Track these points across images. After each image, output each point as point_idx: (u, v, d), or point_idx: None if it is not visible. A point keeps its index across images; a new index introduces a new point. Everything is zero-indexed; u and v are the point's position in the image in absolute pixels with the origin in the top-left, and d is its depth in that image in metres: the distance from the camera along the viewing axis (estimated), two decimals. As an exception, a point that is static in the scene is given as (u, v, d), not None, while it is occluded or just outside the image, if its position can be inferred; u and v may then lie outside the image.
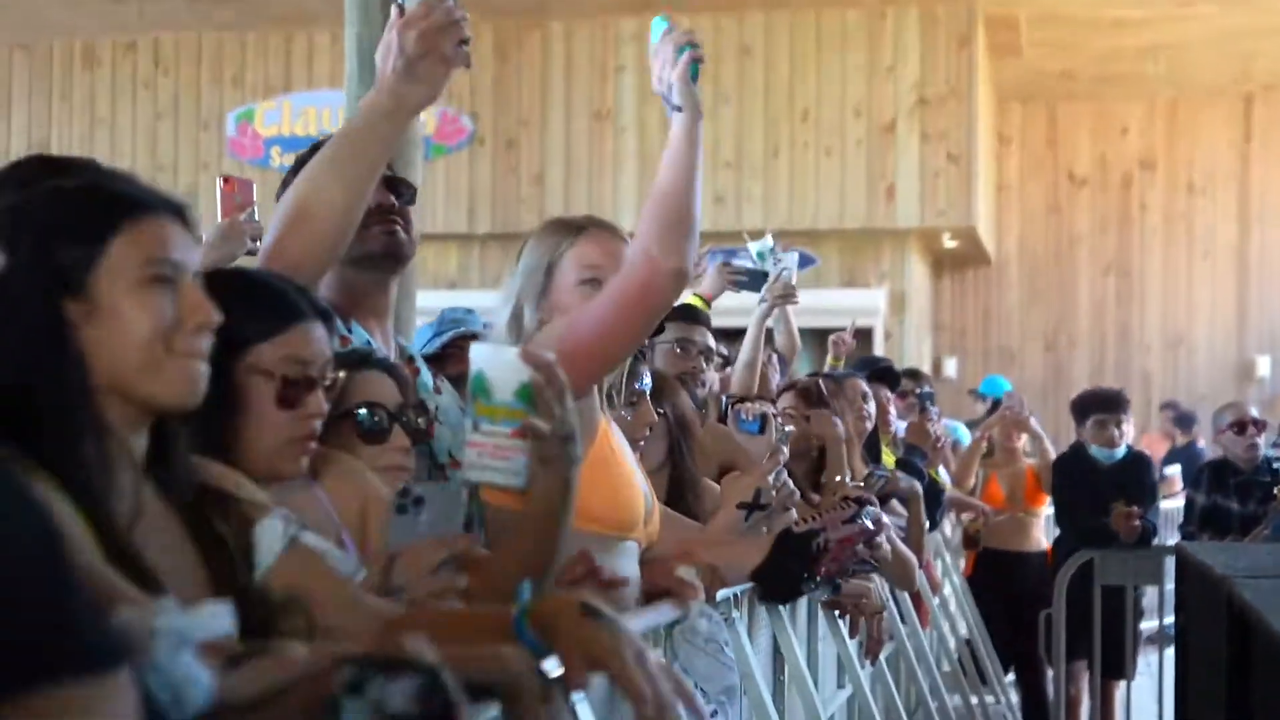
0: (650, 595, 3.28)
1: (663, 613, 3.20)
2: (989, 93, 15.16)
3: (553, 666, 1.94)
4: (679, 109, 3.09)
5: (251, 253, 4.20)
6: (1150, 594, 8.69)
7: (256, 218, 4.18)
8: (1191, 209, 16.32)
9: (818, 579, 3.33)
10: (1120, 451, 8.04)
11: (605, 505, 3.11)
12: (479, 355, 2.35)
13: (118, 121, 15.04)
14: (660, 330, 4.85)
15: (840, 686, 5.26)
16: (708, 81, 14.24)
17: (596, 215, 3.44)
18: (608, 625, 1.92)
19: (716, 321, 7.93)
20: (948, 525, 8.98)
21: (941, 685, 6.62)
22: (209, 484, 2.13)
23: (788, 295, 6.00)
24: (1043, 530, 9.00)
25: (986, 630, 8.52)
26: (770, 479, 3.61)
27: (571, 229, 3.29)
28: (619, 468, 3.16)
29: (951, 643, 8.05)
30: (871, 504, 3.31)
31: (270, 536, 2.13)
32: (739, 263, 6.15)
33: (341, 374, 2.47)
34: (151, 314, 1.93)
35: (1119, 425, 8.03)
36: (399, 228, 3.34)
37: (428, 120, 14.66)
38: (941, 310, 16.42)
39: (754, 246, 6.63)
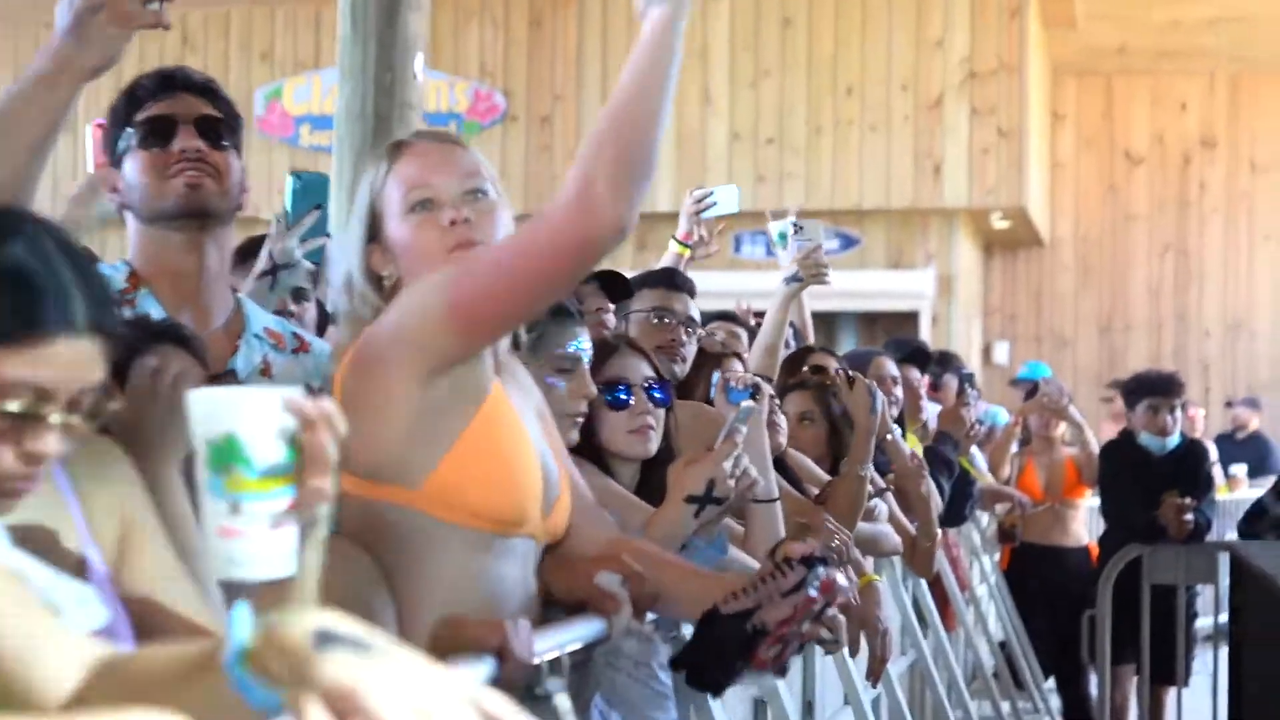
0: (571, 606, 2.62)
1: (576, 630, 2.54)
2: (1042, 67, 14.50)
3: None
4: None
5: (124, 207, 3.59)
6: (1206, 590, 7.92)
7: None
8: (1254, 189, 15.53)
9: (752, 669, 2.56)
10: (1174, 440, 7.30)
11: (481, 496, 2.42)
12: (223, 410, 1.56)
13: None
14: (630, 295, 4.20)
15: (846, 703, 4.62)
16: (748, 53, 13.76)
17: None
18: (356, 655, 1.30)
19: (751, 303, 7.24)
20: (984, 519, 8.26)
21: (965, 693, 5.92)
22: None
23: (819, 274, 5.17)
24: (1084, 524, 8.26)
25: (1025, 631, 7.80)
26: (727, 465, 2.93)
27: (390, 149, 2.60)
28: (504, 449, 2.46)
29: (984, 647, 7.35)
30: (825, 562, 2.58)
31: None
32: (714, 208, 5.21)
33: (114, 404, 1.78)
34: None
35: (1172, 411, 7.29)
36: (206, 177, 2.77)
37: (460, 99, 14.09)
38: (992, 293, 15.74)
39: (774, 227, 5.95)
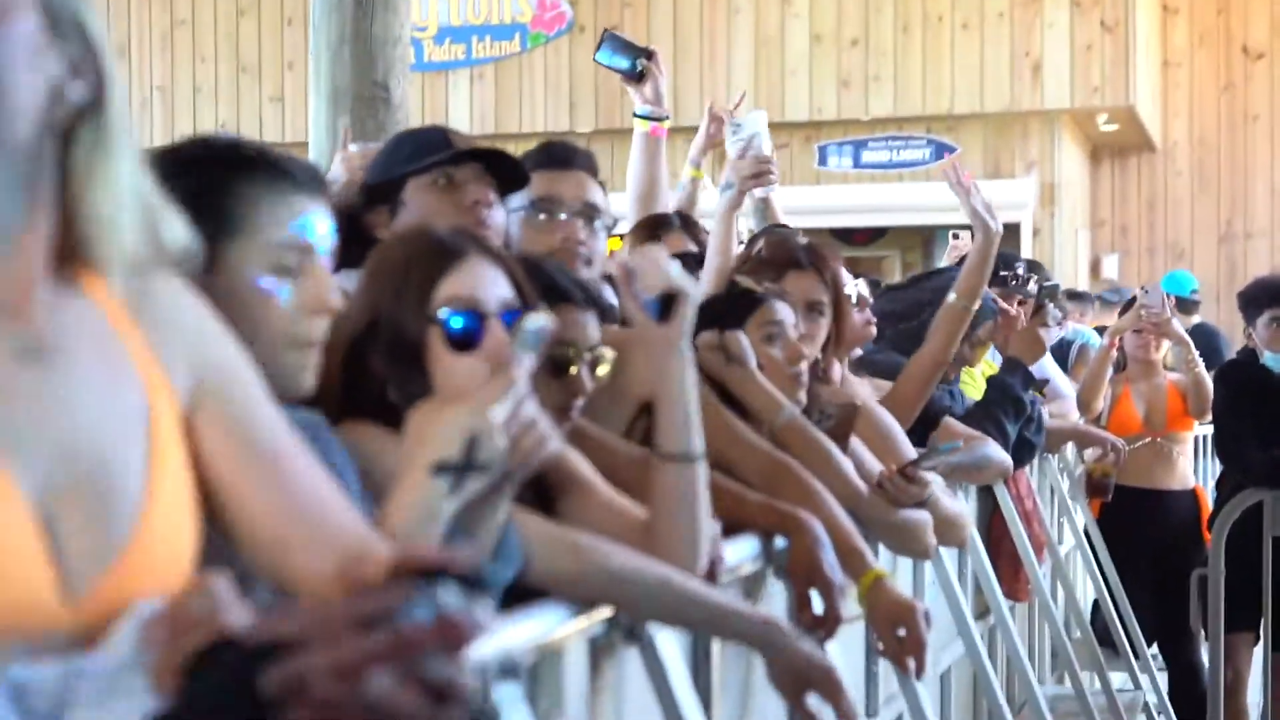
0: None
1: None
2: (1152, -47, 12.99)
3: None
4: None
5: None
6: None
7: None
8: (1385, 82, 13.88)
9: None
10: (1305, 360, 5.86)
11: None
12: None
13: (199, 20, 13.43)
14: (525, 183, 2.87)
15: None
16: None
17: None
18: None
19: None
20: (1073, 460, 6.83)
21: (1032, 676, 4.55)
22: None
23: (761, 174, 3.76)
24: (1190, 463, 6.78)
25: (1125, 592, 6.39)
26: (498, 412, 1.64)
27: None
28: None
29: (1071, 620, 5.98)
30: (463, 583, 1.23)
31: None
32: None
33: None
34: None
35: (1303, 324, 5.82)
36: None
37: (524, 8, 12.83)
38: (1099, 203, 14.20)
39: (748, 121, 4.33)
